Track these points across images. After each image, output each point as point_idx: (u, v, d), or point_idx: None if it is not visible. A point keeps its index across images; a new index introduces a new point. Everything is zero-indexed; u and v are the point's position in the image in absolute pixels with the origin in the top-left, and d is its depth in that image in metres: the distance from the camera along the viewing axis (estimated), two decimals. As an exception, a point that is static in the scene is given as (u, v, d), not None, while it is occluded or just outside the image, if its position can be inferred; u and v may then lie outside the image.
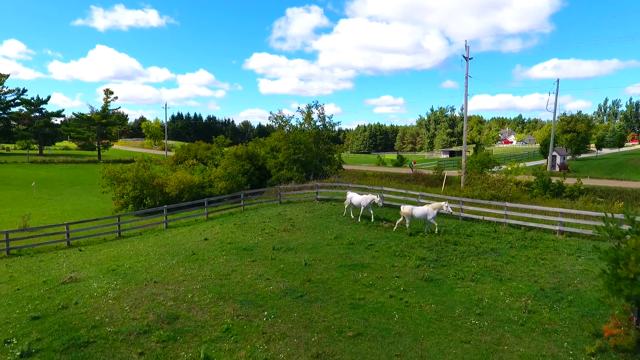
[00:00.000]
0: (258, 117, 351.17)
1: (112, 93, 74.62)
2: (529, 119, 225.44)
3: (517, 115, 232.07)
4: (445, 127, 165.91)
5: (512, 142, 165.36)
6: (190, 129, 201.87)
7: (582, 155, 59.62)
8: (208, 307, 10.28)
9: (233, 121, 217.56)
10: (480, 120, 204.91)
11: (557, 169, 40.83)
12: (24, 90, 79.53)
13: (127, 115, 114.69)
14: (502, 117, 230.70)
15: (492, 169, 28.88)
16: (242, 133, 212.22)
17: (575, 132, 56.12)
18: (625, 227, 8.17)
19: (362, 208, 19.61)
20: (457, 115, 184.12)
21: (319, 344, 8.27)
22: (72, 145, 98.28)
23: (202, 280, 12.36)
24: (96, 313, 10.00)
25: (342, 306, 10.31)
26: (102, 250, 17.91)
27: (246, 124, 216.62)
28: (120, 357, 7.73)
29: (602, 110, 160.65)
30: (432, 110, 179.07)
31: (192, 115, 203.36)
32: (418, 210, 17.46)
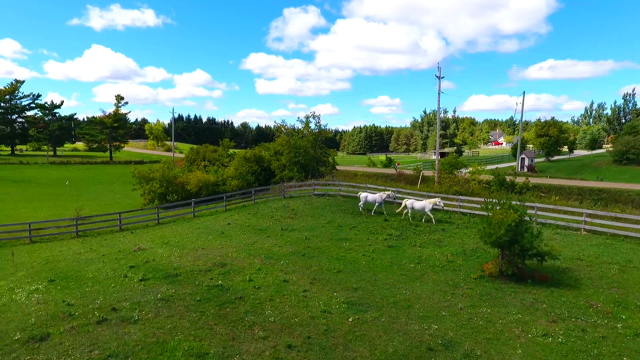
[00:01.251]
0: (255, 117, 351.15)
1: (122, 98, 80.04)
2: (520, 120, 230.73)
3: (510, 116, 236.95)
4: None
5: (502, 144, 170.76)
6: (190, 130, 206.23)
7: (556, 157, 65.44)
8: (243, 259, 15.78)
9: (232, 122, 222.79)
10: (472, 122, 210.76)
11: (526, 169, 46.48)
12: (38, 95, 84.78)
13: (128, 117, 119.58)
14: (495, 119, 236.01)
15: (460, 170, 34.48)
16: (241, 134, 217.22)
17: (548, 136, 61.99)
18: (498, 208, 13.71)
19: (377, 204, 23.76)
20: (450, 117, 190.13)
21: (315, 275, 13.80)
22: (81, 146, 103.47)
23: (235, 247, 17.86)
24: (172, 264, 15.48)
25: (330, 259, 15.84)
26: (149, 232, 23.34)
27: (245, 126, 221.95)
28: (199, 281, 13.20)
29: (589, 112, 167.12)
30: (425, 112, 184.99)
31: (192, 116, 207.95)
32: (418, 204, 22.43)
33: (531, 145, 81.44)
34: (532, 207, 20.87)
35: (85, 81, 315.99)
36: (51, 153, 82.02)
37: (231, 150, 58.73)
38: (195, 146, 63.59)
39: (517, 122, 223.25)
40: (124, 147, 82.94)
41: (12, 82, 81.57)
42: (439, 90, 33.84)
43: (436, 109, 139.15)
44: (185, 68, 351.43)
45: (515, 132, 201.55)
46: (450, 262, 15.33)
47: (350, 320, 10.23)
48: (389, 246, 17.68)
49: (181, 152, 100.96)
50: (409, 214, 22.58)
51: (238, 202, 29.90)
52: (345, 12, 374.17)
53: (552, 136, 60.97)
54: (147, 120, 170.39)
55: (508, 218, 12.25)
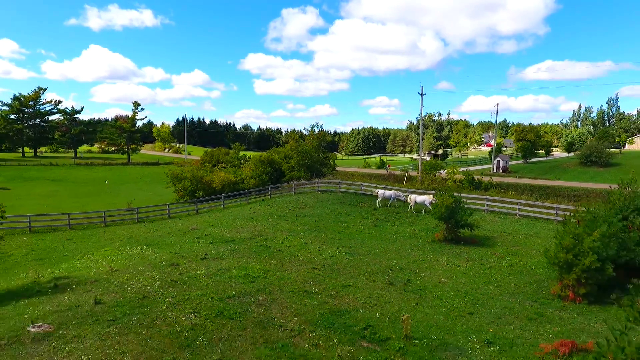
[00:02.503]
0: (254, 117, 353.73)
1: (139, 105, 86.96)
2: (513, 122, 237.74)
3: (503, 118, 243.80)
4: (433, 131, 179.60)
5: (492, 145, 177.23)
6: (194, 132, 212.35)
7: (534, 159, 72.63)
8: (273, 233, 22.85)
9: (234, 124, 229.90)
10: (466, 124, 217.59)
11: (500, 170, 53.64)
12: (60, 101, 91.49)
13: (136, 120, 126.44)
14: (489, 121, 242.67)
15: (439, 171, 41.60)
16: (242, 136, 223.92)
17: (525, 141, 69.25)
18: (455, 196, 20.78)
19: (392, 199, 30.35)
20: (444, 119, 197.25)
21: (324, 241, 20.89)
22: (95, 148, 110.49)
23: (264, 226, 24.91)
24: (224, 236, 22.49)
25: (333, 233, 22.92)
26: (192, 219, 30.33)
27: (246, 128, 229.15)
28: (249, 243, 20.23)
29: (577, 116, 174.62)
30: (421, 115, 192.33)
31: (195, 119, 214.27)
32: (419, 198, 29.02)
33: (509, 148, 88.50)
34: (483, 199, 28.03)
35: (83, 81, 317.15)
36: (71, 154, 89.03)
37: (241, 153, 65.71)
38: (209, 149, 70.46)
39: (509, 125, 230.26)
40: (140, 149, 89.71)
41: (35, 89, 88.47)
42: (421, 106, 41.00)
43: (429, 112, 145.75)
44: (183, 68, 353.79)
45: (508, 135, 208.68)
46: (415, 234, 22.42)
47: (347, 259, 17.33)
48: (375, 225, 24.77)
49: (189, 154, 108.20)
50: (412, 207, 28.73)
51: (257, 197, 36.95)
52: (343, 12, 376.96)
53: (528, 140, 68.27)
54: (152, 122, 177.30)
55: (447, 202, 19.32)
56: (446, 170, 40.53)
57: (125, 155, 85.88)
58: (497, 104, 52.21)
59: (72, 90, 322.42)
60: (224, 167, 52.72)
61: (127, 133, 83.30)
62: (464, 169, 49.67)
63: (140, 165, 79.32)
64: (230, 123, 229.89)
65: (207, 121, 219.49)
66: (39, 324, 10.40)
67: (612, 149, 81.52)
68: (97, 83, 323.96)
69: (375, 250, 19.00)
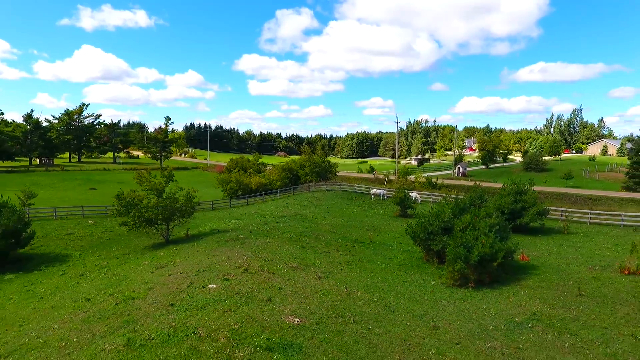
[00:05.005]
0: (248, 118, 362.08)
1: (170, 119, 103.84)
2: (495, 128, 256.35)
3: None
4: (420, 137, 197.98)
5: (475, 150, 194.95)
6: (201, 137, 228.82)
7: (494, 165, 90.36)
8: (304, 212, 40.00)
9: (237, 130, 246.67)
10: (452, 130, 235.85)
11: (460, 175, 71.09)
12: (99, 115, 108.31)
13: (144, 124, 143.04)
14: (473, 127, 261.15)
15: (410, 175, 58.87)
16: (245, 140, 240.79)
17: (485, 150, 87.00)
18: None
19: (381, 196, 48.30)
20: (430, 125, 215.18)
21: (334, 216, 38.13)
22: (123, 154, 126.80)
23: (297, 210, 42.05)
24: (276, 215, 39.59)
25: (339, 214, 40.17)
26: (248, 207, 47.24)
27: (249, 133, 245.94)
28: (292, 217, 37.38)
29: (549, 123, 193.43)
30: (410, 122, 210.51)
31: (202, 125, 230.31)
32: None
33: (471, 153, 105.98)
34: (429, 194, 45.40)
35: (75, 82, 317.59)
36: (106, 159, 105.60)
37: (260, 160, 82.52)
38: (234, 156, 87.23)
39: (492, 130, 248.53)
40: (171, 157, 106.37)
41: (80, 105, 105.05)
42: (397, 131, 58.17)
43: (418, 119, 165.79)
44: (177, 69, 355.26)
45: (491, 139, 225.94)
46: (388, 213, 39.66)
47: (348, 223, 34.62)
48: (363, 210, 42.03)
49: (205, 159, 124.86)
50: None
51: (284, 194, 54.05)
52: (337, 14, 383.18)
53: (488, 150, 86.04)
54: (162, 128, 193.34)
55: (400, 193, 36.61)
56: (414, 175, 57.95)
57: (158, 162, 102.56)
58: (456, 126, 69.43)
59: (65, 90, 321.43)
60: (252, 173, 69.71)
61: (160, 143, 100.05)
62: (433, 174, 67.29)
63: (174, 170, 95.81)
64: (233, 128, 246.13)
65: (213, 126, 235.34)
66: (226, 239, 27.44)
67: (555, 156, 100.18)
68: (90, 83, 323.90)
69: (362, 220, 36.27)
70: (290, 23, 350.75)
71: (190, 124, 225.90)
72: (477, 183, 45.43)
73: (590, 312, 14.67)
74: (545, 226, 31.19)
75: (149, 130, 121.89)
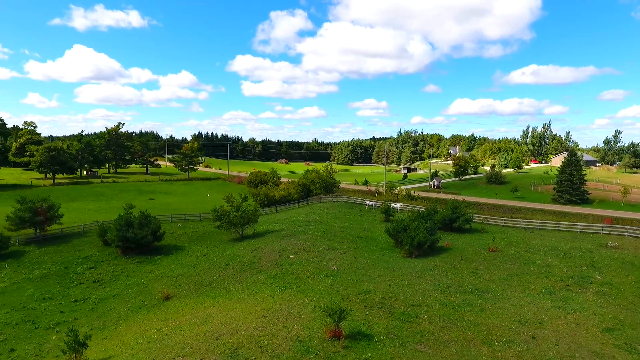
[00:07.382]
0: (242, 119, 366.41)
1: (196, 137, 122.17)
2: (480, 137, 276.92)
3: (471, 133, 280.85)
4: (410, 146, 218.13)
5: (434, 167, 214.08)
6: (208, 145, 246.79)
7: (466, 177, 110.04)
8: (320, 218, 59.09)
9: (241, 138, 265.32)
10: (440, 138, 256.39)
11: (435, 187, 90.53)
12: (132, 133, 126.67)
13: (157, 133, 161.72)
14: (460, 134, 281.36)
15: (395, 188, 78.01)
16: (249, 147, 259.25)
17: (458, 165, 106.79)
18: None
19: (373, 206, 67.18)
20: (419, 134, 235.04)
21: (342, 221, 57.36)
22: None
23: (315, 216, 61.09)
24: (301, 220, 58.62)
25: (344, 219, 59.38)
26: (276, 215, 66.11)
27: (252, 140, 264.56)
28: (313, 222, 56.48)
29: (525, 134, 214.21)
30: (400, 132, 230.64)
31: (209, 134, 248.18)
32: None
33: (447, 163, 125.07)
34: (407, 205, 64.79)
35: (67, 82, 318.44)
36: (143, 170, 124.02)
37: (277, 172, 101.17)
38: (254, 170, 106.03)
39: (476, 138, 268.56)
40: (197, 169, 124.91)
41: (117, 123, 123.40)
42: (385, 162, 77.34)
43: (408, 130, 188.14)
44: (170, 69, 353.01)
45: (474, 148, 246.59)
46: (377, 219, 58.83)
47: (349, 227, 53.79)
48: (360, 216, 61.22)
49: (220, 168, 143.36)
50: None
51: (301, 204, 73.07)
52: (331, 16, 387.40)
53: (460, 165, 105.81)
54: (174, 138, 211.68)
55: (385, 206, 55.85)
56: (397, 189, 77.34)
57: (184, 173, 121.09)
58: (431, 155, 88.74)
59: (56, 90, 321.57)
60: (271, 186, 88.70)
61: (188, 157, 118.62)
62: (413, 186, 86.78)
63: (200, 180, 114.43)
64: (237, 137, 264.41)
65: (219, 135, 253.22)
66: (278, 229, 46.42)
67: (517, 169, 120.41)
68: (81, 84, 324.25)
69: (360, 223, 55.45)
70: (284, 24, 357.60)
71: (199, 133, 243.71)
72: (451, 196, 64.67)
73: (460, 265, 34.02)
74: (472, 228, 50.48)
75: (163, 137, 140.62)
